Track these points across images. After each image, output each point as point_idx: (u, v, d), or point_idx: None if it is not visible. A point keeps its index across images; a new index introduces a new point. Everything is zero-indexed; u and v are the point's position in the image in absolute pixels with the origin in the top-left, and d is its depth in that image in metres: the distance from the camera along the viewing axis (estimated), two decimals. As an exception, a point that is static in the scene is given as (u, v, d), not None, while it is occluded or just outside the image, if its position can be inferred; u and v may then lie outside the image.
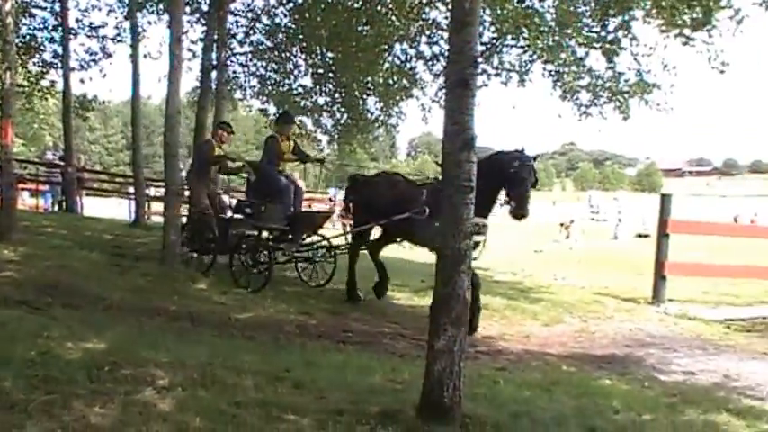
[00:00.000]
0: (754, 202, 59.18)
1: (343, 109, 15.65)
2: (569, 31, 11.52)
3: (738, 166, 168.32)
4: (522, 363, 7.42)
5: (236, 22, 15.34)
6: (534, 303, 10.41)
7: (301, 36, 14.11)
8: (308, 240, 9.84)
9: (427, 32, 13.53)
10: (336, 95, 15.44)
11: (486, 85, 13.49)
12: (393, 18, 12.86)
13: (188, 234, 10.01)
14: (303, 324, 7.83)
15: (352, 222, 9.65)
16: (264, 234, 9.55)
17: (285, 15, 14.80)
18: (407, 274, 11.44)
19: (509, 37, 12.47)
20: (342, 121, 15.86)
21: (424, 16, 13.05)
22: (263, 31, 15.09)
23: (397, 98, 15.06)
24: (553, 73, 12.81)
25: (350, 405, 4.67)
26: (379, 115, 15.55)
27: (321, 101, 15.66)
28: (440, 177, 5.08)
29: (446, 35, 8.23)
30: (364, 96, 15.12)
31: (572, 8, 11.37)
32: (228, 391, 4.59)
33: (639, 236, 29.74)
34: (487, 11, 11.86)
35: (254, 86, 16.06)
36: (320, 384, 5.05)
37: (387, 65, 14.11)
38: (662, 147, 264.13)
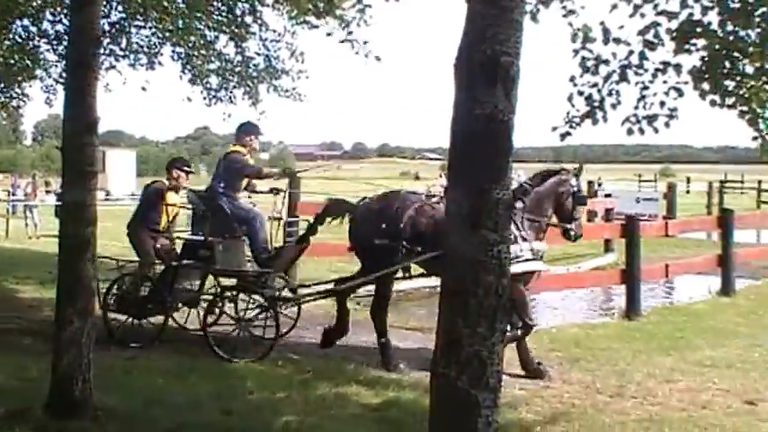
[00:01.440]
0: (386, 183, 66.92)
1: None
2: (199, 14, 12.36)
3: (367, 149, 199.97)
4: (156, 350, 8.57)
5: None
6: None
7: None
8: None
9: (51, 9, 13.39)
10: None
11: (113, 67, 13.83)
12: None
13: (118, 292, 9.22)
14: None
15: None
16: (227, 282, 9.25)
17: None
18: (32, 266, 11.38)
19: (138, 17, 12.91)
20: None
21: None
22: None
23: (19, 78, 14.74)
24: (182, 56, 13.53)
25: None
26: (-1, 97, 15.05)
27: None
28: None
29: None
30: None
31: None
32: None
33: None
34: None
35: None
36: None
37: (7, 43, 13.79)
38: (296, 130, 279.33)
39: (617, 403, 7.36)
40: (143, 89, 13.52)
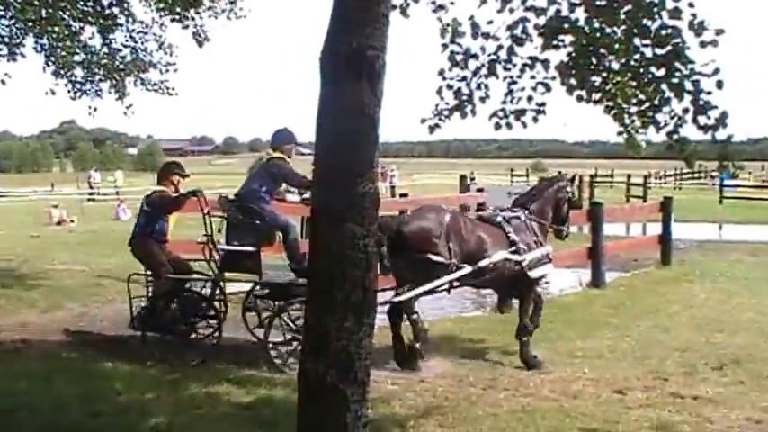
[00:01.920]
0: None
1: None
2: (63, 4, 11.99)
3: (239, 143, 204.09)
4: (20, 353, 8.47)
5: None
6: (31, 290, 11.61)
7: None
8: None
9: None
10: None
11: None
12: None
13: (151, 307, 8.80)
14: None
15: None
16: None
17: None
18: None
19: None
20: None
21: None
22: None
23: None
24: (46, 47, 13.10)
25: None
26: None
27: None
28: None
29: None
30: None
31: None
32: None
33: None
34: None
35: None
36: None
37: None
38: (166, 124, 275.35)
39: (490, 395, 7.55)
40: (2, 83, 13.03)
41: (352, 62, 3.90)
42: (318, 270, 4.05)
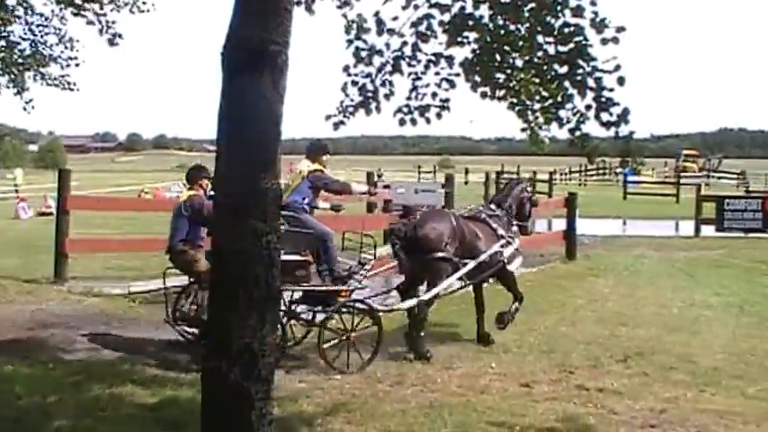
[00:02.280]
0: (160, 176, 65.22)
1: None
2: None
3: (143, 140, 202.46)
4: None
5: None
6: None
7: None
8: None
9: None
10: None
11: None
12: None
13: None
14: None
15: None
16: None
17: None
18: None
19: None
20: None
21: None
22: None
23: None
24: None
25: None
26: None
27: None
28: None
29: None
30: None
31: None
32: None
33: (42, 214, 30.63)
34: None
35: None
36: None
37: None
38: (67, 120, 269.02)
39: (397, 392, 7.62)
40: None
41: (254, 57, 3.89)
42: (221, 267, 4.03)
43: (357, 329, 8.67)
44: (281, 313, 8.36)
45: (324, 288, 9.21)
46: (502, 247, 10.17)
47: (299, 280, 8.97)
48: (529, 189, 11.63)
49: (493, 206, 10.74)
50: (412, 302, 9.40)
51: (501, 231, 10.27)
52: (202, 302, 8.63)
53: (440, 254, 9.41)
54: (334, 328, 8.55)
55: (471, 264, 9.77)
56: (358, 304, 8.99)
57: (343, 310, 8.78)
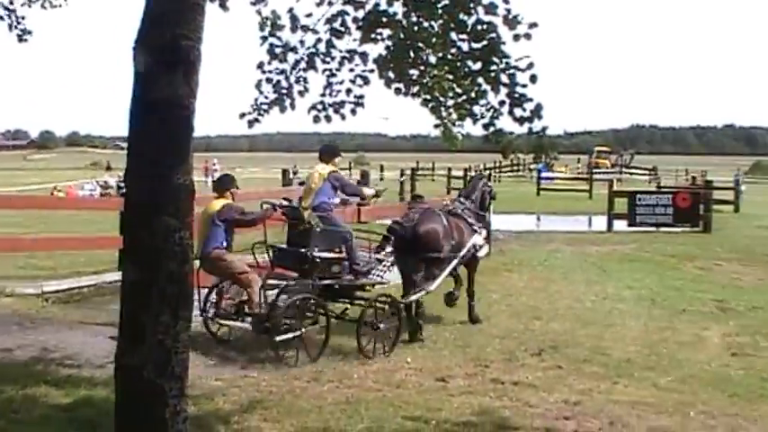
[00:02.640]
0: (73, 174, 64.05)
1: None
2: None
3: (56, 138, 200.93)
4: None
5: None
6: None
7: None
8: None
9: None
10: None
11: None
12: None
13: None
14: None
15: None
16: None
17: None
18: None
19: None
20: None
21: None
22: None
23: None
24: None
25: None
26: None
27: None
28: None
29: None
30: None
31: None
32: None
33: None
34: None
35: None
36: None
37: None
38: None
39: (314, 388, 7.67)
40: None
41: (166, 53, 3.89)
42: (133, 263, 4.02)
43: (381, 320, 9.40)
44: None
45: (358, 283, 10.09)
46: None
47: (335, 275, 9.78)
48: (489, 183, 12.96)
49: (462, 199, 11.94)
50: (421, 293, 10.28)
51: (474, 224, 11.49)
52: (238, 296, 9.68)
53: (438, 253, 10.35)
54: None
55: (459, 257, 10.88)
56: (382, 297, 9.87)
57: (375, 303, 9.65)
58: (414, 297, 10.21)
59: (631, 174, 67.41)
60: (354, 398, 7.32)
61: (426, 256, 10.26)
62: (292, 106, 6.33)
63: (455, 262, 10.82)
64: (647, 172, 66.18)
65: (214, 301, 9.75)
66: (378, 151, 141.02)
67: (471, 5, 5.70)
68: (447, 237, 10.55)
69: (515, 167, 65.89)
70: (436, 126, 6.36)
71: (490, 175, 13.46)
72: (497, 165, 65.10)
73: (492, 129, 5.77)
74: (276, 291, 9.19)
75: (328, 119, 6.32)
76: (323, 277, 9.57)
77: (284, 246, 9.99)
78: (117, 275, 10.81)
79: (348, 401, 7.20)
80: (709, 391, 7.88)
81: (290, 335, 8.82)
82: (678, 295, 13.44)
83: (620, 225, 24.82)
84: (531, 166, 60.42)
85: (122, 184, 9.57)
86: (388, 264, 10.60)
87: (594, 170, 57.21)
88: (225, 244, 9.59)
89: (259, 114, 6.36)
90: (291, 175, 27.36)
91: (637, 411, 7.14)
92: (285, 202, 10.38)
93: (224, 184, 10.22)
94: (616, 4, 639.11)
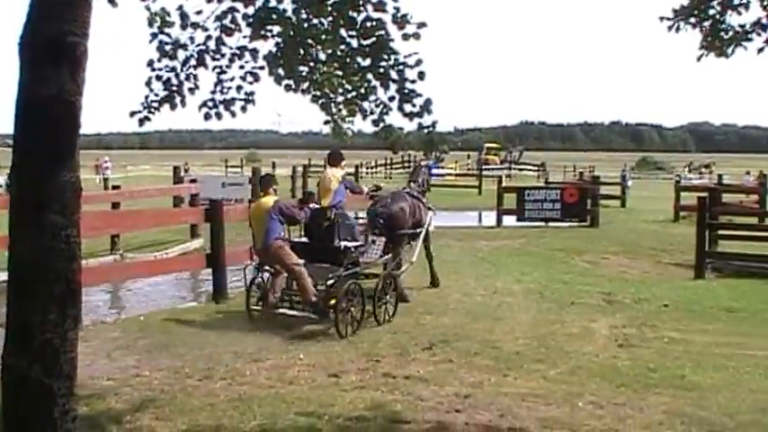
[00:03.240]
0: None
1: None
2: None
3: None
4: None
5: None
6: None
7: None
8: None
9: None
10: None
11: None
12: None
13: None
14: None
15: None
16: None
17: None
18: None
19: None
20: None
21: None
22: None
23: None
24: None
25: None
26: None
27: None
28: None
29: None
30: None
31: None
32: None
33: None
34: None
35: None
36: None
37: None
38: None
39: (206, 386, 7.69)
40: None
41: (52, 48, 3.85)
42: (19, 262, 3.97)
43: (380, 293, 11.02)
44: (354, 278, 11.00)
45: (371, 263, 11.95)
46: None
47: (356, 261, 11.31)
48: (427, 170, 14.97)
49: (413, 184, 13.73)
50: (408, 266, 12.53)
51: (428, 204, 13.64)
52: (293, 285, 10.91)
53: (403, 230, 12.46)
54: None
55: (422, 233, 12.98)
56: (385, 272, 11.71)
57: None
58: (405, 269, 12.45)
59: (520, 170, 69.04)
60: (247, 395, 7.36)
61: (400, 232, 12.39)
62: (183, 104, 6.30)
63: (422, 235, 13.03)
64: (535, 168, 67.82)
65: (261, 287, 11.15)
66: (270, 148, 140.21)
67: (360, 3, 5.81)
68: (411, 215, 12.70)
69: (407, 164, 66.53)
70: (326, 122, 6.45)
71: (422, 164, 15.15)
72: (389, 161, 65.58)
73: (382, 125, 5.89)
74: (330, 281, 10.66)
75: (219, 116, 6.32)
76: (352, 264, 11.17)
77: (306, 240, 11.62)
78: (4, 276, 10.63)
79: (241, 398, 7.23)
80: (597, 381, 8.11)
81: (347, 315, 10.25)
82: (566, 288, 13.85)
83: (509, 220, 25.52)
84: (422, 163, 61.04)
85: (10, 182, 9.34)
86: (380, 244, 12.23)
87: (484, 166, 58.35)
88: (283, 235, 10.98)
89: (149, 112, 6.30)
90: (183, 173, 26.96)
91: (526, 403, 7.33)
92: (315, 205, 11.76)
93: (267, 183, 11.63)
94: (505, 2, 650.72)
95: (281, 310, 10.83)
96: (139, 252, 17.98)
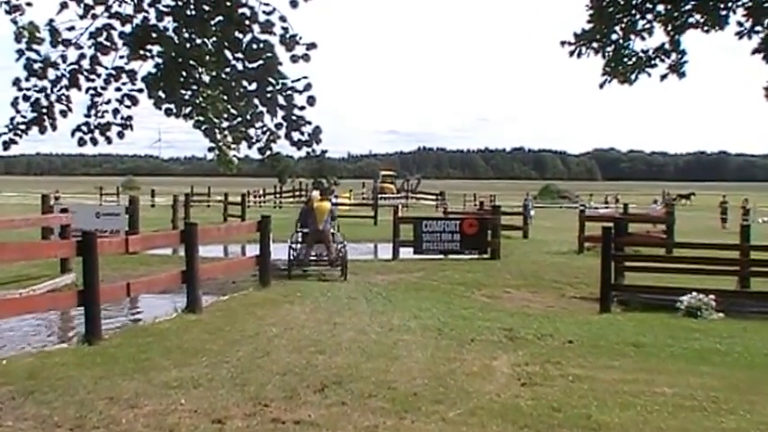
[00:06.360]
0: None
1: None
2: None
3: None
4: None
5: None
6: None
7: None
8: None
9: None
10: None
11: None
12: None
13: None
14: None
15: None
16: None
17: None
18: None
19: None
20: None
21: None
22: None
23: None
24: None
25: None
26: None
27: None
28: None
29: None
30: None
31: None
32: None
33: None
34: None
35: None
36: None
37: None
38: None
39: (76, 436, 7.54)
40: None
41: None
42: None
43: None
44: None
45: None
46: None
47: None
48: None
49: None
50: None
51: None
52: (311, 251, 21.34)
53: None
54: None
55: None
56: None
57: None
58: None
59: (418, 199, 69.91)
60: (122, 444, 7.23)
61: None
62: (53, 127, 6.21)
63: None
64: (434, 197, 68.75)
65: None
66: (149, 175, 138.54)
67: (247, 23, 5.83)
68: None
69: (297, 193, 66.50)
70: (210, 150, 6.42)
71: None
72: (278, 190, 65.38)
73: (269, 152, 5.93)
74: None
75: (94, 141, 6.25)
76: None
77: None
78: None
79: (113, 448, 7.09)
80: (498, 422, 8.18)
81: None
82: (466, 324, 14.01)
83: (406, 252, 25.74)
84: (313, 193, 61.07)
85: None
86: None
87: (380, 195, 58.83)
88: (331, 224, 21.58)
89: (16, 135, 6.18)
90: (53, 201, 26.30)
91: (423, 446, 7.39)
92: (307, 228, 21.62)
93: (325, 193, 17.44)
94: (399, 25, 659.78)
95: (311, 267, 21.05)
96: (2, 288, 17.36)
